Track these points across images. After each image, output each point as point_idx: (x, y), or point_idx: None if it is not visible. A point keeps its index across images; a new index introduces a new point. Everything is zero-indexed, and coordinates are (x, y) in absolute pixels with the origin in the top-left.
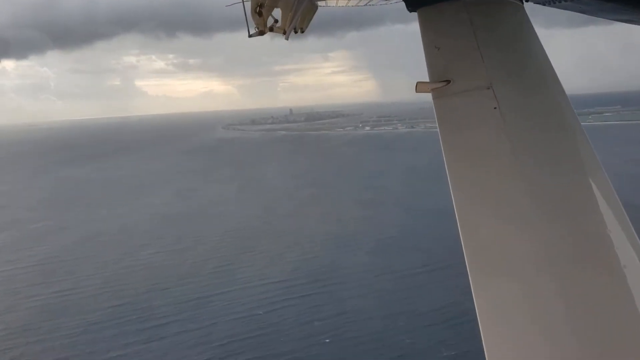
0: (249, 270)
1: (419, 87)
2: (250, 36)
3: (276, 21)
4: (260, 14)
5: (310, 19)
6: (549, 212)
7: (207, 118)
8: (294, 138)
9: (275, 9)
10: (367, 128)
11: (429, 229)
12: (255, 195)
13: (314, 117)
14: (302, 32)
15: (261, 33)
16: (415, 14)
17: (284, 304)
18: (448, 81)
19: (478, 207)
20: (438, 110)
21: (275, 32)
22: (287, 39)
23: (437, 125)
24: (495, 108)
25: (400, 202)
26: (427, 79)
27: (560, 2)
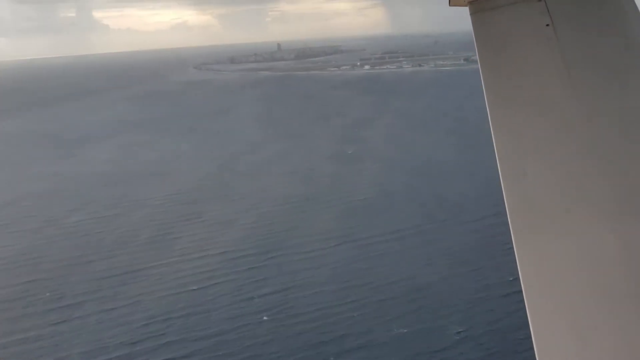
0: (190, 240)
1: (453, 0)
2: None
3: None
4: None
5: None
6: (612, 154)
7: (179, 56)
8: (278, 80)
9: None
10: (367, 67)
11: (409, 189)
12: (214, 150)
13: (306, 54)
14: None
15: None
16: None
17: (224, 278)
18: None
19: (524, 148)
20: (476, 27)
21: None
22: None
23: (475, 45)
24: (547, 25)
25: (382, 157)
26: None
27: None
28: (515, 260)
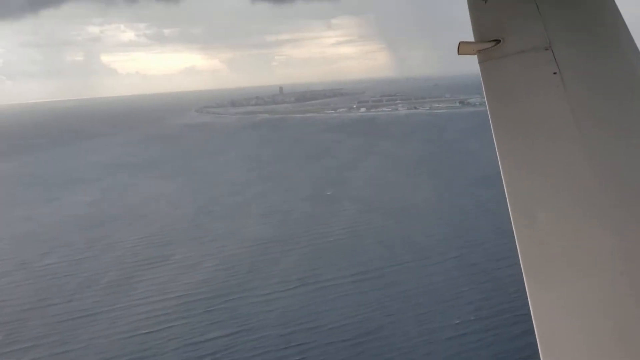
0: (151, 283)
1: (462, 47)
2: None
3: None
4: None
5: None
6: (620, 200)
7: (184, 99)
8: (273, 122)
9: None
10: (363, 109)
11: (379, 231)
12: (196, 191)
13: (306, 97)
14: None
15: None
16: None
17: (176, 322)
18: (498, 40)
19: (534, 193)
20: (485, 75)
21: None
22: None
23: (483, 93)
24: (555, 73)
25: (360, 198)
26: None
27: None
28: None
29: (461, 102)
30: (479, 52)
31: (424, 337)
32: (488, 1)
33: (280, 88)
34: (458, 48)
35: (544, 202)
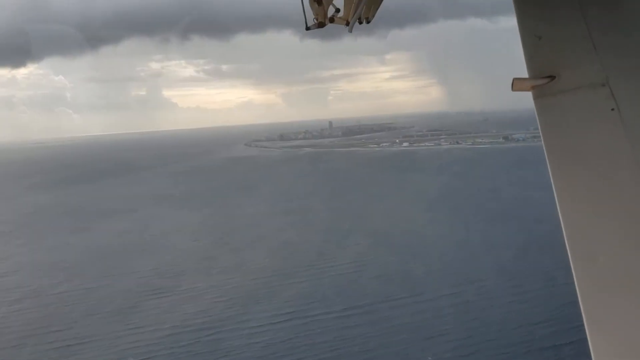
0: (151, 313)
1: (516, 84)
2: (307, 28)
3: (337, 10)
4: (319, 2)
5: (377, 8)
6: None
7: (238, 133)
8: (315, 156)
9: None
10: (406, 144)
11: (383, 265)
12: (218, 224)
13: (353, 132)
14: (368, 22)
15: (320, 25)
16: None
17: (160, 352)
18: (552, 77)
19: (594, 234)
20: (540, 112)
21: (337, 22)
22: (350, 30)
23: (539, 130)
24: (612, 109)
25: (374, 232)
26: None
27: None
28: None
29: (505, 138)
30: (533, 89)
31: None
32: (542, 37)
33: (330, 122)
34: (512, 84)
35: (604, 244)
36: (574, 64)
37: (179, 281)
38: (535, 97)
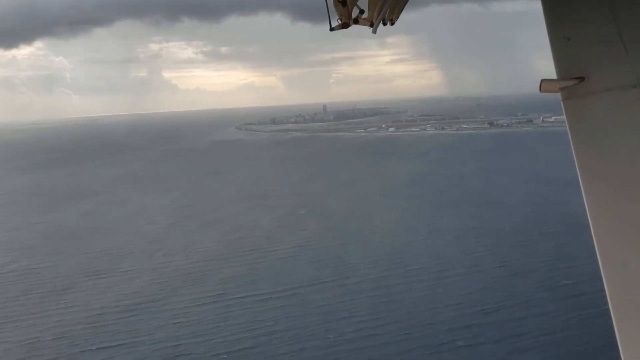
0: (87, 293)
1: (544, 85)
2: (332, 29)
3: (362, 12)
4: (344, 3)
5: (402, 10)
6: None
7: (234, 115)
8: (301, 140)
9: None
10: (392, 129)
11: (324, 250)
12: (182, 207)
13: (345, 116)
14: (392, 24)
15: (345, 25)
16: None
17: (81, 331)
18: (582, 78)
19: (625, 240)
20: (569, 113)
21: (361, 24)
22: (374, 32)
23: (568, 131)
24: None
25: (328, 217)
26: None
27: None
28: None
29: (490, 123)
30: (561, 90)
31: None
32: (571, 39)
33: (324, 106)
34: (540, 86)
35: (636, 249)
36: (603, 66)
37: (122, 263)
38: (564, 99)
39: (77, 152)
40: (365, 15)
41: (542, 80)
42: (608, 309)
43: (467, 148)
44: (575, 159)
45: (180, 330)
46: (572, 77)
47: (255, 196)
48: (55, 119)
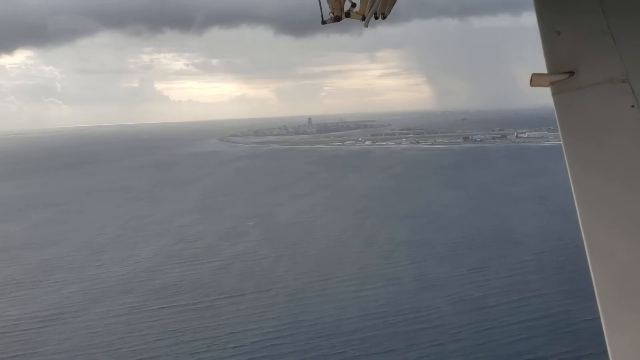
0: (7, 305)
1: (535, 80)
2: (323, 22)
3: (354, 5)
4: None
5: (394, 3)
6: None
7: (220, 127)
8: (276, 153)
9: None
10: (368, 142)
11: (251, 265)
12: (132, 219)
13: (329, 129)
14: (384, 17)
15: (337, 19)
16: None
17: None
18: (572, 72)
19: (613, 231)
20: (559, 108)
21: (353, 17)
22: (366, 25)
23: (557, 126)
24: (633, 106)
25: (270, 230)
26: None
27: None
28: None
29: (464, 138)
30: (552, 84)
31: None
32: (561, 33)
33: (309, 119)
34: (531, 80)
35: (623, 243)
36: (593, 60)
37: (56, 273)
38: (554, 93)
39: (51, 162)
40: (357, 9)
41: (533, 75)
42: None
43: (434, 162)
44: (564, 153)
45: (92, 339)
46: (562, 71)
47: (210, 207)
48: (42, 128)
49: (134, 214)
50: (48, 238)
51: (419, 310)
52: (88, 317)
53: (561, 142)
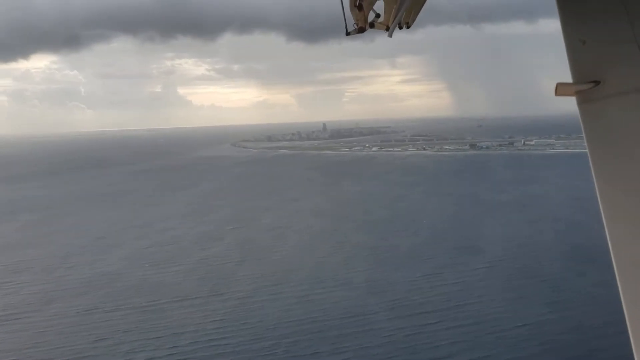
0: None
1: (560, 89)
2: (348, 34)
3: (378, 16)
4: (360, 7)
5: (418, 13)
6: None
7: (242, 132)
8: (282, 158)
9: (377, 1)
10: (375, 149)
11: (215, 269)
12: (116, 223)
13: (341, 135)
14: (408, 27)
15: (361, 30)
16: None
17: None
18: (597, 82)
19: (635, 231)
20: (584, 117)
21: (377, 28)
22: (390, 35)
23: (583, 136)
24: None
25: (246, 236)
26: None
27: None
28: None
29: (471, 145)
30: (577, 94)
31: None
32: (587, 42)
33: (324, 125)
34: (556, 89)
35: None
36: (619, 69)
37: (22, 276)
38: (580, 103)
39: (60, 166)
40: (381, 19)
41: (558, 84)
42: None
43: (431, 169)
44: (590, 162)
45: (37, 339)
46: (587, 80)
47: (197, 211)
48: (62, 132)
49: (121, 217)
50: (29, 240)
51: (357, 315)
52: (39, 317)
53: (587, 151)
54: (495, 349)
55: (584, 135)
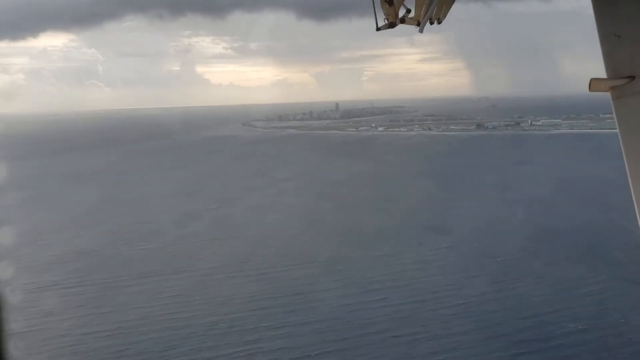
0: None
1: (594, 85)
2: (378, 29)
3: (409, 11)
4: (390, 2)
5: (449, 8)
6: None
7: (258, 110)
8: (287, 138)
9: None
10: (381, 129)
11: (191, 246)
12: (95, 205)
13: (352, 114)
14: (439, 22)
15: (391, 25)
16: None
17: None
18: (632, 77)
19: None
20: (619, 113)
21: (407, 23)
22: (421, 31)
23: (617, 130)
24: None
25: (229, 215)
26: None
27: None
28: None
29: (478, 125)
30: (612, 89)
31: None
32: (622, 36)
33: (337, 104)
34: (589, 85)
35: None
36: None
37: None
38: (614, 98)
39: (65, 144)
40: (412, 15)
41: (592, 80)
42: None
43: (430, 149)
44: (624, 158)
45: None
46: (622, 76)
47: (183, 192)
48: (78, 111)
49: (101, 199)
50: (3, 219)
51: (307, 292)
52: None
53: (621, 148)
54: (429, 325)
55: (618, 131)
